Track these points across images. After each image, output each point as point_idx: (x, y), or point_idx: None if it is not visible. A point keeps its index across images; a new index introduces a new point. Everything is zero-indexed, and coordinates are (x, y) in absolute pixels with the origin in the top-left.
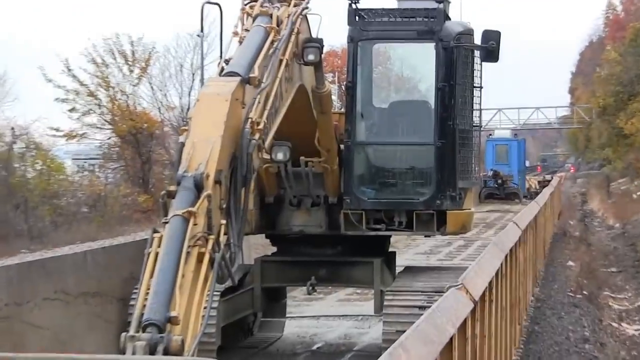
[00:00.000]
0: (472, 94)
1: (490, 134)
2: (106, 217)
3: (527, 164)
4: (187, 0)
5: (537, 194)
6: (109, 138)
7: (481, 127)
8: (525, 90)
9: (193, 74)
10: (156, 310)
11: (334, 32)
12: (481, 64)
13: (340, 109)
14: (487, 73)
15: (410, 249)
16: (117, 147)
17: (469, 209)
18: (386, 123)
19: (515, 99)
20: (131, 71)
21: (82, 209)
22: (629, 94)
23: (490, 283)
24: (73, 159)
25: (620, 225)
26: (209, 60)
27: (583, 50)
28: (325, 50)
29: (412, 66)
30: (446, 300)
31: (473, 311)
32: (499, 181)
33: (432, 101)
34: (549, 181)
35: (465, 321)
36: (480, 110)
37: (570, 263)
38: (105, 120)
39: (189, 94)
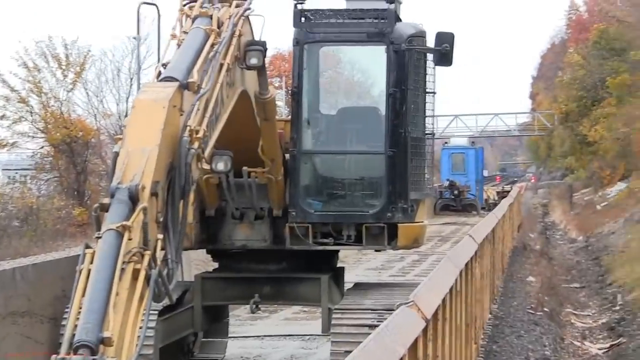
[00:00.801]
0: (425, 99)
1: (446, 142)
2: (39, 232)
3: (486, 173)
4: (125, 1)
5: (495, 205)
6: (42, 147)
7: (434, 134)
8: (484, 96)
9: (131, 79)
10: (88, 331)
11: (282, 34)
12: (434, 68)
13: (288, 115)
14: (443, 78)
15: (360, 264)
16: (51, 156)
17: (422, 222)
18: (334, 131)
19: (474, 106)
20: (65, 76)
21: (13, 223)
22: (593, 99)
23: (443, 300)
24: (3, 169)
25: (583, 238)
26: (147, 64)
27: (545, 53)
28: (272, 53)
29: (363, 70)
30: (396, 318)
31: (425, 330)
32: (456, 192)
33: (382, 107)
34: (508, 192)
35: (416, 341)
36: (434, 117)
37: (531, 278)
38: (38, 129)
39: (127, 100)
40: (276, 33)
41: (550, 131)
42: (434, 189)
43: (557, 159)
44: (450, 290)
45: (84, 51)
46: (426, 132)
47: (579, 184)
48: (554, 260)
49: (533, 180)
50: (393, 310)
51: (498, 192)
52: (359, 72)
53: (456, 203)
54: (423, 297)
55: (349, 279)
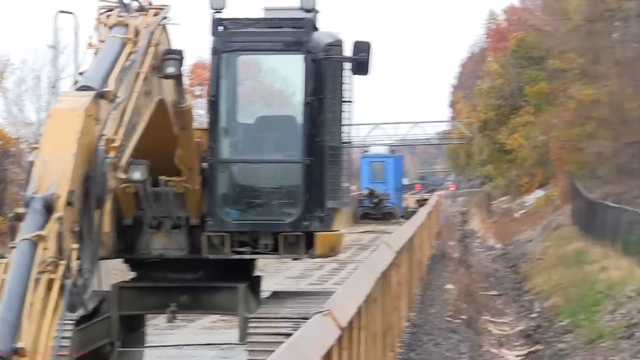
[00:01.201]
0: (342, 108)
1: (366, 151)
2: None
3: (405, 181)
4: (44, 10)
5: (415, 213)
6: None
7: (351, 143)
8: (405, 105)
9: (52, 87)
10: (1, 341)
11: (204, 43)
12: (351, 77)
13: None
14: (364, 86)
15: (280, 272)
16: None
17: (339, 230)
18: (251, 140)
19: (394, 114)
20: None
21: None
22: (511, 108)
23: (359, 308)
24: None
25: (501, 245)
26: (66, 74)
27: (464, 61)
28: (193, 61)
29: (283, 79)
30: (310, 327)
31: (340, 339)
32: (375, 200)
33: (300, 116)
34: (427, 200)
35: (330, 349)
36: (351, 125)
37: (449, 286)
38: None
39: (47, 109)
40: (198, 41)
41: (469, 139)
42: (352, 197)
43: (476, 167)
44: (367, 298)
45: (3, 60)
46: (343, 140)
47: (497, 192)
48: (472, 268)
49: (452, 189)
50: (308, 318)
51: (417, 200)
52: (280, 81)
53: (376, 211)
54: (338, 305)
55: (268, 287)
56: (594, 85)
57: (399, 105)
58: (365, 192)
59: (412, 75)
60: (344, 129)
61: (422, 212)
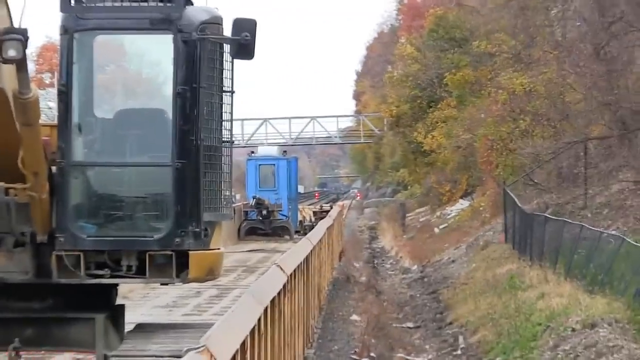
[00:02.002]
0: (221, 100)
1: (253, 152)
2: None
3: (301, 189)
4: None
5: (312, 227)
6: None
7: (233, 142)
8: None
9: None
10: None
11: (53, 21)
12: (233, 62)
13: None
14: (251, 75)
15: (148, 300)
16: None
17: (218, 249)
18: (112, 138)
19: (287, 108)
20: None
21: None
22: (429, 100)
23: (243, 344)
24: None
25: (418, 267)
26: None
27: (371, 43)
28: (42, 42)
29: (148, 64)
30: None
31: None
32: (264, 212)
33: (170, 110)
34: (328, 211)
35: None
36: (232, 121)
37: (355, 317)
38: None
39: None
40: (48, 19)
41: (378, 138)
42: (235, 208)
43: (387, 172)
44: (252, 332)
45: None
46: (223, 139)
47: (414, 202)
48: (383, 294)
49: (358, 198)
50: (180, 357)
51: (315, 212)
52: (146, 67)
53: (265, 226)
54: (217, 340)
55: (133, 318)
56: (529, 72)
57: (293, 98)
58: (252, 202)
59: (308, 62)
60: (225, 125)
61: (322, 227)
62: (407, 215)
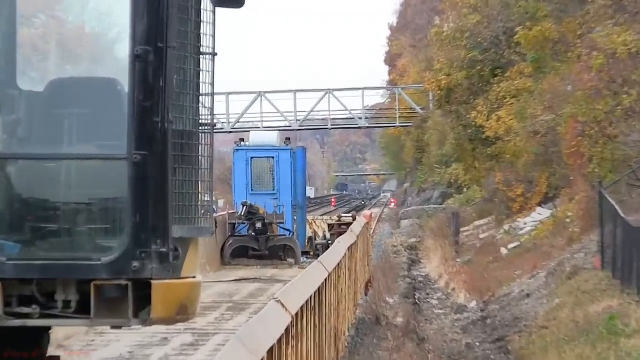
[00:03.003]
0: (198, 65)
1: (243, 140)
2: None
3: (311, 193)
4: None
5: (327, 247)
6: None
7: (214, 126)
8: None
9: None
10: None
11: None
12: (214, 13)
13: None
14: (242, 33)
15: (93, 350)
16: None
17: (193, 277)
18: (42, 120)
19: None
20: None
21: None
22: (494, 66)
23: None
24: None
25: (478, 304)
26: None
27: None
28: None
29: (95, 16)
30: None
31: None
32: (258, 225)
33: (125, 79)
34: (349, 225)
35: None
36: (213, 95)
37: None
38: None
39: None
40: None
41: (421, 121)
42: (218, 219)
43: (434, 169)
44: None
45: None
46: (201, 121)
47: (471, 212)
48: (427, 342)
49: (393, 205)
50: None
51: (331, 226)
52: (92, 19)
53: (259, 244)
54: None
55: None
56: (635, 26)
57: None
58: (241, 210)
59: (321, 13)
60: (203, 101)
61: (341, 247)
62: (462, 229)
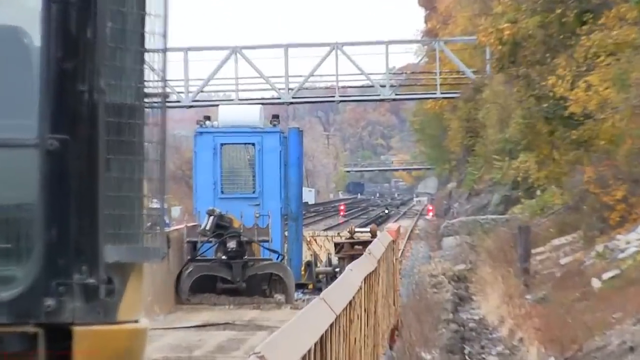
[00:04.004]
0: (144, 8)
1: (208, 118)
2: None
3: (311, 196)
4: None
5: (334, 276)
6: None
7: (167, 96)
8: (312, 15)
9: None
10: None
11: None
12: None
13: None
14: None
15: None
16: None
17: (135, 322)
18: None
19: (285, 31)
20: None
21: None
22: (581, 8)
23: None
24: None
25: (557, 359)
26: None
27: None
28: None
29: None
30: None
31: None
32: (232, 244)
33: (34, 29)
34: (366, 244)
35: None
36: (165, 52)
37: None
38: None
39: None
40: None
41: (473, 90)
42: (172, 236)
43: (492, 161)
44: None
45: None
46: (146, 91)
47: (548, 225)
48: None
49: (430, 215)
50: None
51: (340, 246)
52: None
53: (234, 273)
54: None
55: None
56: None
57: (296, 16)
58: (207, 221)
59: None
60: (151, 60)
61: (353, 277)
62: (534, 251)
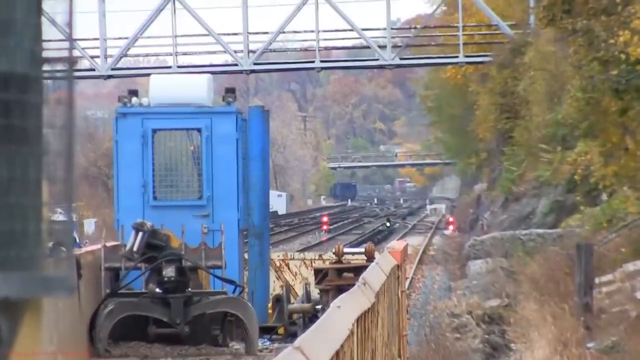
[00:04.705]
0: None
1: (135, 93)
2: None
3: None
4: None
5: (313, 318)
6: None
7: (75, 63)
8: None
9: None
10: None
11: None
12: None
13: None
14: None
15: None
16: None
17: None
18: None
19: None
20: None
21: None
22: None
23: None
24: None
25: None
26: None
27: None
28: None
29: None
30: None
31: None
32: (169, 272)
33: None
34: (358, 270)
35: None
36: (72, 7)
37: None
38: None
39: None
40: None
41: (510, 52)
42: (84, 260)
43: (538, 152)
44: None
45: None
46: (45, 54)
47: (619, 242)
48: None
49: (451, 228)
50: None
51: (322, 273)
52: None
53: (172, 312)
54: None
55: None
56: None
57: None
58: (133, 239)
59: None
60: (51, 10)
61: (340, 317)
62: (599, 280)
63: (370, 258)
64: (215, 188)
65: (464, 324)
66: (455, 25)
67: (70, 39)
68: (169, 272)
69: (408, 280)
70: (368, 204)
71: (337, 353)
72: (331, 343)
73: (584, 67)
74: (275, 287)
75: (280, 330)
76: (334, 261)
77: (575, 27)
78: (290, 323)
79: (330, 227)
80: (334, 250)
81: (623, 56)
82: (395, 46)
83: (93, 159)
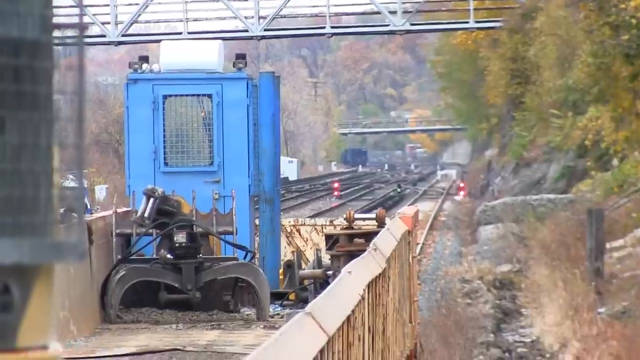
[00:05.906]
0: None
1: (146, 59)
2: None
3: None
4: None
5: (325, 282)
6: None
7: (85, 29)
8: None
9: None
10: None
11: None
12: None
13: None
14: None
15: None
16: None
17: (43, 347)
18: None
19: None
20: None
21: None
22: None
23: None
24: None
25: None
26: None
27: None
28: None
29: None
30: None
31: None
32: (180, 238)
33: None
34: (369, 236)
35: None
36: None
37: None
38: None
39: None
40: None
41: (521, 17)
42: (94, 226)
43: (549, 118)
44: None
45: None
46: (56, 20)
47: (630, 208)
48: None
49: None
50: None
51: (333, 239)
52: None
53: (183, 278)
54: None
55: None
56: None
57: None
58: (144, 206)
59: None
60: None
61: (351, 283)
62: (610, 245)
63: (381, 224)
64: (226, 154)
65: (474, 289)
66: None
67: (80, 4)
68: (180, 238)
69: (419, 246)
70: (379, 170)
71: (348, 318)
72: (342, 309)
73: (594, 32)
74: (286, 253)
75: (291, 296)
76: (345, 227)
77: None
78: (301, 289)
79: (341, 193)
80: (345, 216)
81: (634, 21)
82: (405, 12)
83: (104, 125)
